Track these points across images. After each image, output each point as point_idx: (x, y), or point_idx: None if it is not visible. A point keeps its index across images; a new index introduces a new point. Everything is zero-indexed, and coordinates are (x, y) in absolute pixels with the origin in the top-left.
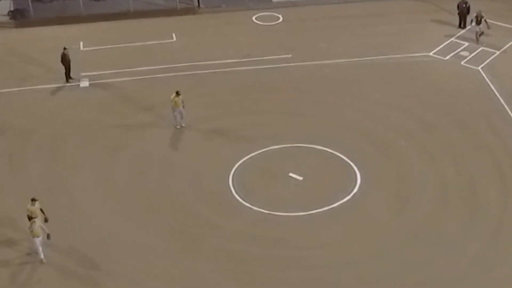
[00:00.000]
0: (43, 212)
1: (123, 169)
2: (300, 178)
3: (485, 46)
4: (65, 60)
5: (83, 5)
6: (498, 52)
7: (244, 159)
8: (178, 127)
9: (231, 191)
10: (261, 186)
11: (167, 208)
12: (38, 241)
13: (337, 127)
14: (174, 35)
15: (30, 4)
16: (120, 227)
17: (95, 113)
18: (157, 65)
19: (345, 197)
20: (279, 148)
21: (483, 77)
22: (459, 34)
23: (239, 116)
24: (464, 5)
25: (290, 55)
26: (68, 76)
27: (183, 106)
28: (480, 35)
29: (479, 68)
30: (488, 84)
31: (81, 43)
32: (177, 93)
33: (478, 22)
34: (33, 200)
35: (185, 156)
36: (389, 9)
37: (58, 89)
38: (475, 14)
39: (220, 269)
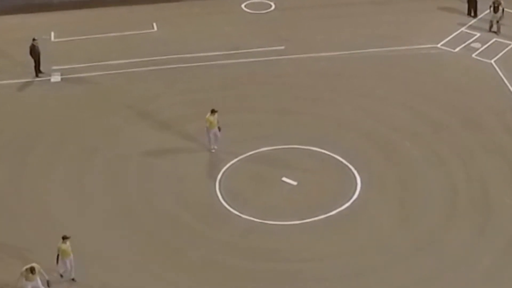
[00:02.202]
0: None
1: (99, 174)
2: (294, 183)
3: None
4: (34, 52)
5: None
6: None
7: (232, 162)
8: (213, 150)
9: (217, 198)
10: (251, 192)
11: (147, 217)
12: (30, 285)
13: (335, 127)
14: (155, 24)
15: None
16: (96, 238)
17: (68, 111)
18: (136, 57)
19: (343, 204)
20: (271, 150)
21: (497, 71)
22: (470, 23)
23: (227, 114)
24: None
25: (283, 47)
26: (37, 70)
27: (218, 127)
28: (496, 23)
29: (492, 61)
30: (502, 79)
31: (52, 34)
32: (213, 112)
33: (496, 10)
34: (65, 238)
35: (166, 159)
36: None
37: (27, 84)
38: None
39: (206, 284)
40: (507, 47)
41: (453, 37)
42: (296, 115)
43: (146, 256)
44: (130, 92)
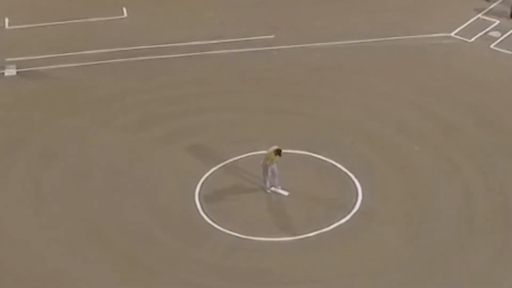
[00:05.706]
0: None
1: (60, 182)
2: (285, 194)
3: None
4: None
5: None
6: None
7: (214, 169)
8: (269, 191)
9: (197, 211)
10: (236, 203)
11: (116, 234)
12: None
13: (332, 128)
14: (124, 9)
15: None
16: (59, 258)
17: (24, 110)
18: (103, 48)
19: (342, 218)
20: (258, 154)
21: None
22: (488, 8)
23: (208, 113)
24: None
25: (272, 36)
26: None
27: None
28: None
29: None
30: None
31: (6, 20)
32: (279, 153)
33: None
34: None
35: (138, 165)
36: None
37: None
38: None
39: None
40: None
41: (469, 24)
42: (287, 114)
43: (116, 278)
44: (96, 88)
